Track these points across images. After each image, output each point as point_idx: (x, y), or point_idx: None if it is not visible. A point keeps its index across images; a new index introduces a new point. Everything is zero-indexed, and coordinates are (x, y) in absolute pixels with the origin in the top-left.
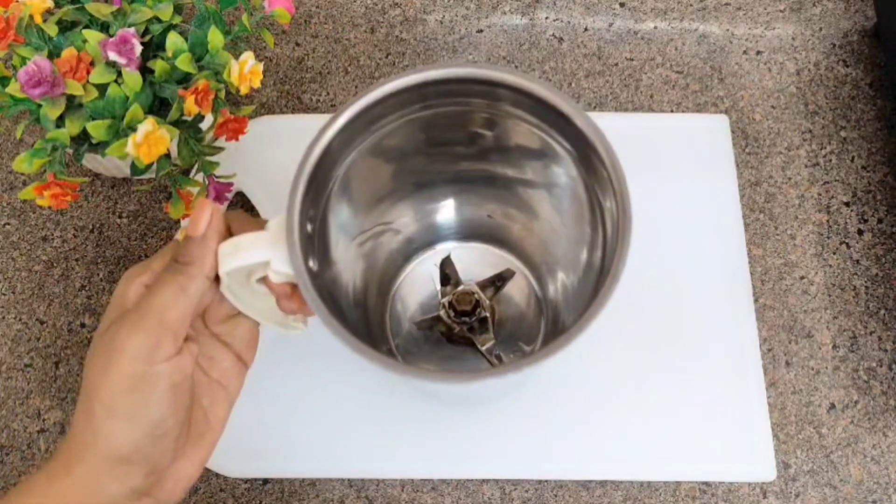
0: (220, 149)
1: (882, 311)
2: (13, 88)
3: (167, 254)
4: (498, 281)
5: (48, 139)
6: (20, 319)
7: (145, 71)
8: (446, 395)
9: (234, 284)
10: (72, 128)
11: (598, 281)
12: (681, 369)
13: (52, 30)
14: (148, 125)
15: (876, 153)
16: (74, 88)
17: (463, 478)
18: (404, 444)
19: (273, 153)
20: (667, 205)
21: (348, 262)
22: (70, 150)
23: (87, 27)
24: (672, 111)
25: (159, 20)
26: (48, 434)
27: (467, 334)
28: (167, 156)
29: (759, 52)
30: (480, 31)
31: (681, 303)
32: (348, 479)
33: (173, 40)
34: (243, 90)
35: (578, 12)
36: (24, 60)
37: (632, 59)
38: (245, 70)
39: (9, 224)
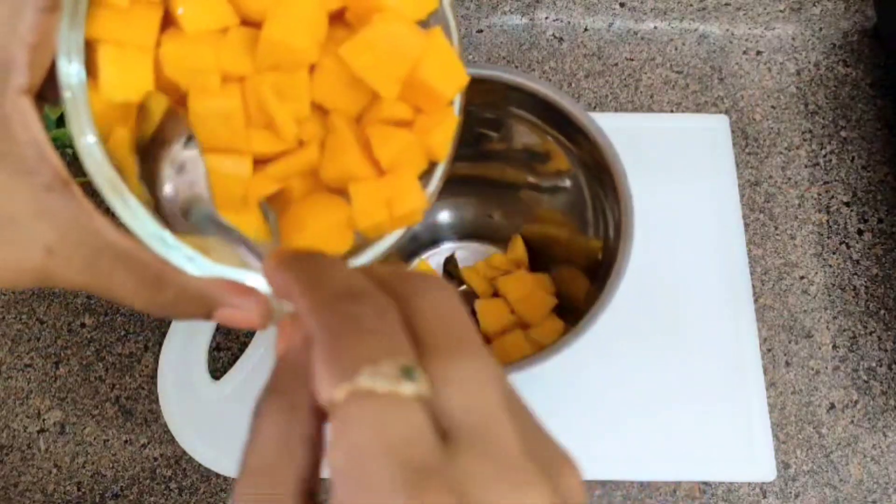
0: None
1: (882, 311)
2: None
3: None
4: None
5: (45, 128)
6: (20, 319)
7: None
8: None
9: None
10: None
11: (599, 281)
12: (681, 369)
13: None
14: None
15: (876, 153)
16: None
17: None
18: None
19: None
20: (667, 205)
21: None
22: (71, 151)
23: None
24: (672, 111)
25: None
26: (48, 434)
27: None
28: None
29: (759, 52)
30: (480, 31)
31: (680, 303)
32: None
33: None
34: None
35: (578, 12)
36: None
37: (632, 59)
38: None
39: None
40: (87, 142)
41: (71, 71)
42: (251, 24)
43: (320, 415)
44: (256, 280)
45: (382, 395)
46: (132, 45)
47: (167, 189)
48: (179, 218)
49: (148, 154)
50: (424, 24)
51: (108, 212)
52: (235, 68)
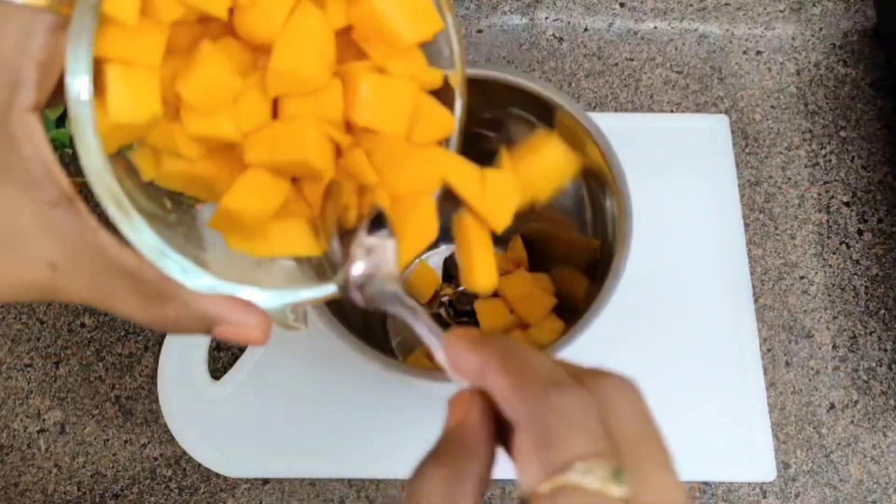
0: None
1: (882, 311)
2: None
3: None
4: None
5: (49, 139)
6: (20, 319)
7: None
8: (446, 395)
9: None
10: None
11: (598, 281)
12: (681, 369)
13: None
14: None
15: (876, 153)
16: None
17: None
18: (404, 444)
19: None
20: (667, 205)
21: None
22: (70, 151)
23: None
24: (672, 111)
25: None
26: (48, 434)
27: None
28: None
29: (759, 52)
30: (480, 31)
31: (681, 303)
32: (348, 479)
33: None
34: None
35: (578, 12)
36: None
37: (632, 59)
38: None
39: None
40: (92, 157)
41: (79, 89)
42: (260, 48)
43: (482, 490)
44: (252, 295)
45: (590, 492)
46: (140, 64)
47: (355, 268)
48: (355, 292)
49: (342, 238)
50: (431, 44)
51: (112, 227)
52: (255, 123)
